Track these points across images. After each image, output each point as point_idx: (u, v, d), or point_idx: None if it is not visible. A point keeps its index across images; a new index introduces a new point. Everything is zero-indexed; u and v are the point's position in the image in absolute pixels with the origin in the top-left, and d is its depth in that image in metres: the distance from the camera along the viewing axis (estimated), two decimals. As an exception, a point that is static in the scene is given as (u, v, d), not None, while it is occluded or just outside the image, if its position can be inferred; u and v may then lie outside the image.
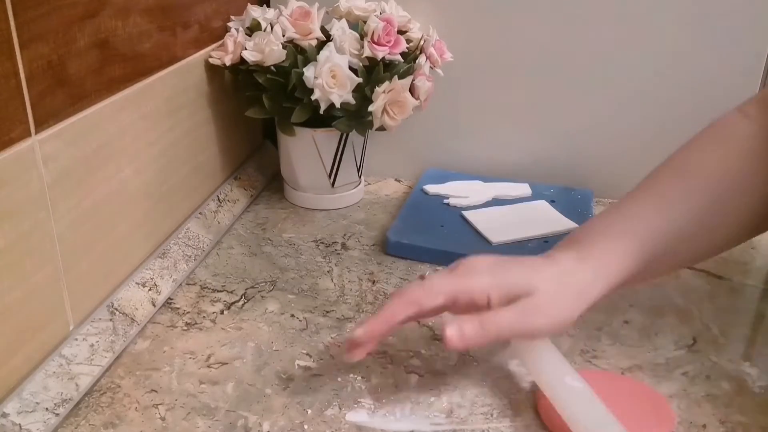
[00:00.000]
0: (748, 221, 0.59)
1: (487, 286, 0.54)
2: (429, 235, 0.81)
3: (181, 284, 0.73)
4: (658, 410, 0.57)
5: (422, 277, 0.58)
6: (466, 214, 0.85)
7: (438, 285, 0.55)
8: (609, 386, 0.57)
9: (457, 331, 0.52)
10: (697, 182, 0.58)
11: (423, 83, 0.84)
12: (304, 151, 0.87)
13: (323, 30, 0.83)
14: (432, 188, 0.91)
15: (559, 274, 0.55)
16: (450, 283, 0.55)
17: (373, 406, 0.58)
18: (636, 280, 0.58)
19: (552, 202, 0.88)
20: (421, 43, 0.86)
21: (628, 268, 0.56)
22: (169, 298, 0.71)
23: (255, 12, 0.85)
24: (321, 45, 0.81)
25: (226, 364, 0.62)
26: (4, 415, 0.52)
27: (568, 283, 0.55)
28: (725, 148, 0.59)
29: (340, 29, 0.82)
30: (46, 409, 0.54)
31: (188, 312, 0.69)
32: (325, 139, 0.86)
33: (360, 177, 0.92)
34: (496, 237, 0.80)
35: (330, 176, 0.88)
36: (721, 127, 0.61)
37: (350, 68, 0.79)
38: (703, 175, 0.58)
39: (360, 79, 0.80)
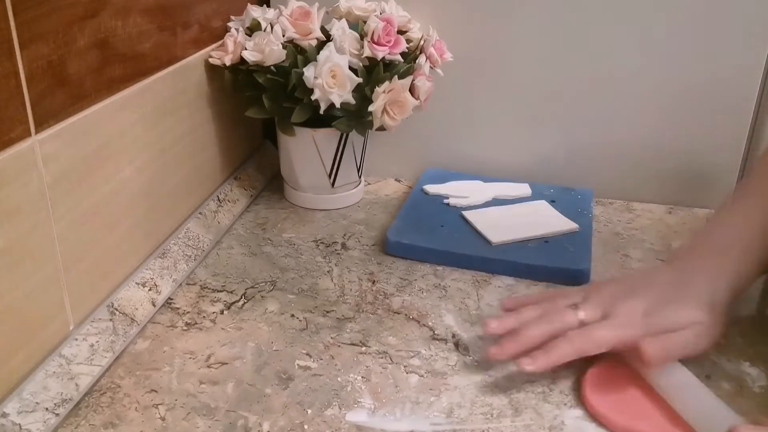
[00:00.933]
0: None
1: (647, 334, 0.59)
2: (429, 235, 0.81)
3: (181, 284, 0.73)
4: None
5: (575, 306, 0.62)
6: (466, 214, 0.85)
7: (601, 336, 0.59)
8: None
9: (653, 349, 0.57)
10: None
11: (423, 83, 0.84)
12: (304, 151, 0.87)
13: (323, 30, 0.83)
14: (432, 188, 0.91)
15: (707, 305, 0.60)
16: (613, 337, 0.59)
17: (373, 406, 0.58)
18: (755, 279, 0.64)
19: (552, 202, 0.88)
20: (421, 43, 0.86)
21: (755, 273, 0.63)
22: (169, 298, 0.71)
23: (255, 12, 0.85)
24: (321, 45, 0.81)
25: (226, 364, 0.62)
26: (4, 415, 0.52)
27: (716, 310, 0.60)
28: None
29: (340, 29, 0.82)
30: (46, 409, 0.54)
31: (188, 312, 0.69)
32: (325, 139, 0.86)
33: (360, 177, 0.92)
34: (496, 237, 0.80)
35: (330, 176, 0.88)
36: None
37: (350, 68, 0.79)
38: None
39: (360, 79, 0.80)
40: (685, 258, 0.64)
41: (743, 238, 0.63)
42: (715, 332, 0.60)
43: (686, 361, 0.63)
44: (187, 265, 0.75)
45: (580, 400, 0.59)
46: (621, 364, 0.61)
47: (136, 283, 0.69)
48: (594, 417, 0.57)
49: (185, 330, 0.67)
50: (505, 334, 0.61)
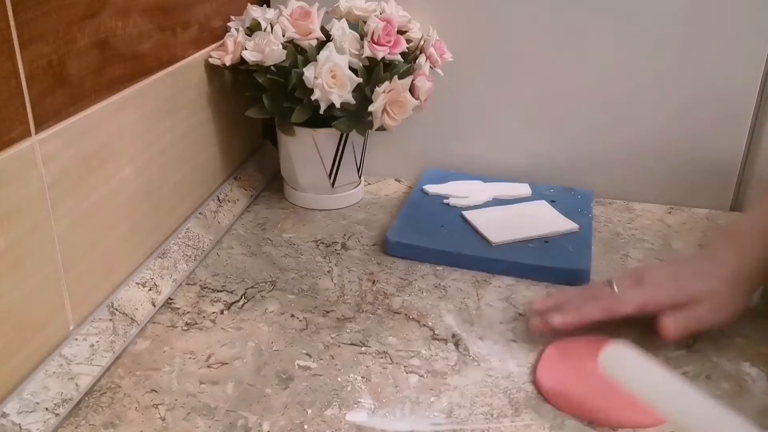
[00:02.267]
0: None
1: (674, 297, 0.63)
2: (429, 235, 0.81)
3: (181, 284, 0.73)
4: None
5: (610, 283, 0.65)
6: (466, 214, 0.85)
7: (630, 296, 0.63)
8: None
9: (673, 323, 0.62)
10: None
11: (423, 83, 0.84)
12: (304, 151, 0.87)
13: (323, 30, 0.83)
14: (432, 188, 0.91)
15: (728, 275, 0.63)
16: (641, 295, 0.63)
17: (373, 406, 0.58)
18: None
19: (552, 202, 0.88)
20: (421, 43, 0.86)
21: None
22: (169, 298, 0.71)
23: (255, 12, 0.85)
24: (321, 45, 0.81)
25: (226, 364, 0.62)
26: (4, 415, 0.52)
27: (737, 281, 0.63)
28: None
29: (340, 29, 0.82)
30: (46, 409, 0.54)
31: (188, 312, 0.69)
32: (325, 139, 0.86)
33: (360, 177, 0.92)
34: (496, 237, 0.80)
35: (330, 176, 0.88)
36: None
37: (350, 68, 0.79)
38: None
39: (360, 79, 0.80)
40: (713, 243, 0.70)
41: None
42: (733, 306, 0.63)
43: (686, 361, 0.64)
44: (187, 265, 0.75)
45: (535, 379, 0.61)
46: (578, 343, 0.63)
47: (136, 283, 0.69)
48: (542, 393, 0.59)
49: (185, 330, 0.67)
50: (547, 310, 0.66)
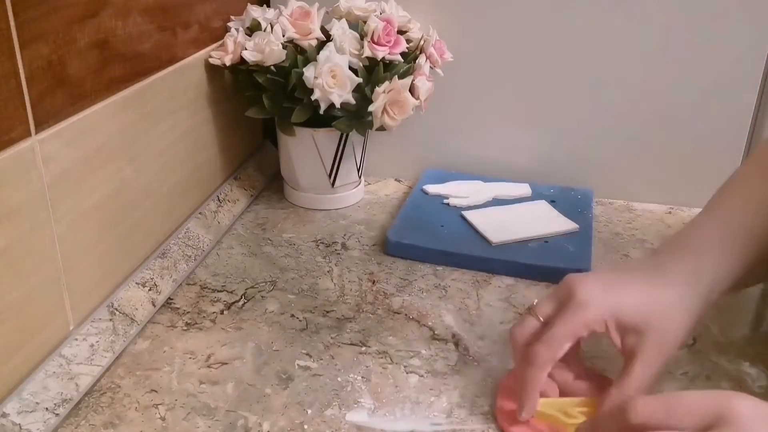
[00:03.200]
0: None
1: (604, 317, 0.54)
2: (429, 235, 0.81)
3: (181, 284, 0.73)
4: None
5: (532, 310, 0.56)
6: (466, 214, 0.85)
7: (559, 335, 0.54)
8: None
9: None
10: None
11: (423, 83, 0.84)
12: (304, 151, 0.87)
13: (323, 30, 0.83)
14: (432, 188, 0.91)
15: (672, 303, 0.54)
16: (569, 328, 0.54)
17: (373, 406, 0.58)
18: (738, 286, 0.58)
19: (552, 202, 0.88)
20: (421, 43, 0.86)
21: (736, 274, 0.56)
22: (169, 298, 0.71)
23: (255, 12, 0.85)
24: (321, 45, 0.81)
25: (226, 364, 0.62)
26: (4, 415, 0.52)
27: (683, 310, 0.54)
28: None
29: (340, 29, 0.82)
30: (46, 409, 0.54)
31: (188, 312, 0.69)
32: (325, 139, 0.86)
33: (360, 177, 0.92)
34: (496, 237, 0.80)
35: (330, 176, 0.88)
36: None
37: (350, 68, 0.79)
38: None
39: (360, 79, 0.80)
40: (664, 249, 0.59)
41: (724, 238, 0.57)
42: (683, 333, 0.54)
43: (686, 361, 0.64)
44: (187, 265, 0.75)
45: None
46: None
47: (136, 283, 0.69)
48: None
49: (185, 330, 0.67)
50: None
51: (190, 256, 0.76)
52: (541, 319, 0.56)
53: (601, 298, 0.54)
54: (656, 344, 0.53)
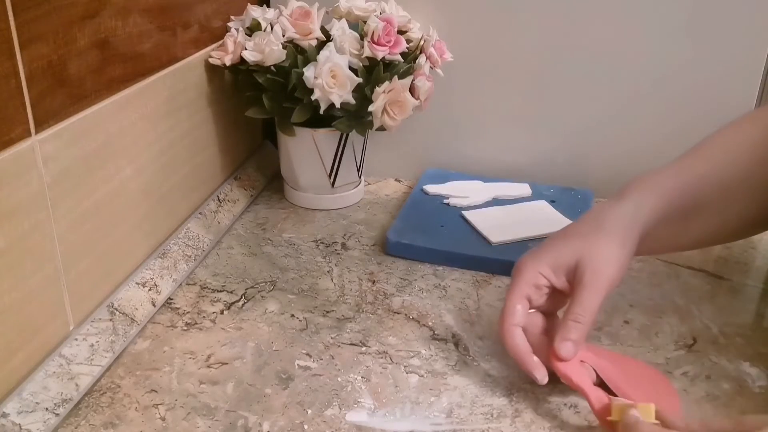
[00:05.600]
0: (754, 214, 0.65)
1: (538, 268, 0.60)
2: (429, 235, 0.81)
3: (181, 284, 0.73)
4: (664, 386, 0.60)
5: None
6: (466, 214, 0.85)
7: (508, 302, 0.60)
8: (618, 364, 0.59)
9: (566, 344, 0.57)
10: (716, 161, 0.65)
11: (423, 83, 0.84)
12: (304, 151, 0.87)
13: (323, 30, 0.83)
14: (432, 188, 0.91)
15: (606, 244, 0.59)
16: (513, 292, 0.60)
17: (373, 406, 0.58)
18: (660, 236, 0.63)
19: (552, 202, 0.88)
20: (421, 43, 0.86)
21: (659, 210, 0.61)
22: (169, 298, 0.71)
23: (255, 12, 0.85)
24: (321, 45, 0.81)
25: (226, 364, 0.62)
26: (4, 415, 0.52)
27: (615, 249, 0.59)
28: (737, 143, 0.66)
29: (340, 29, 0.82)
30: (46, 409, 0.54)
31: (188, 312, 0.69)
32: (325, 139, 0.86)
33: (360, 177, 0.92)
34: (496, 237, 0.80)
35: (330, 176, 0.88)
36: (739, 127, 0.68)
37: (350, 68, 0.79)
38: (722, 158, 0.65)
39: (360, 79, 0.80)
40: (611, 199, 0.63)
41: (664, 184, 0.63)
42: (616, 261, 0.59)
43: (686, 361, 0.63)
44: (187, 265, 0.75)
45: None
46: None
47: (136, 283, 0.69)
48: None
49: (185, 330, 0.67)
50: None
51: (190, 256, 0.76)
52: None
53: (533, 257, 0.61)
54: (595, 274, 0.58)
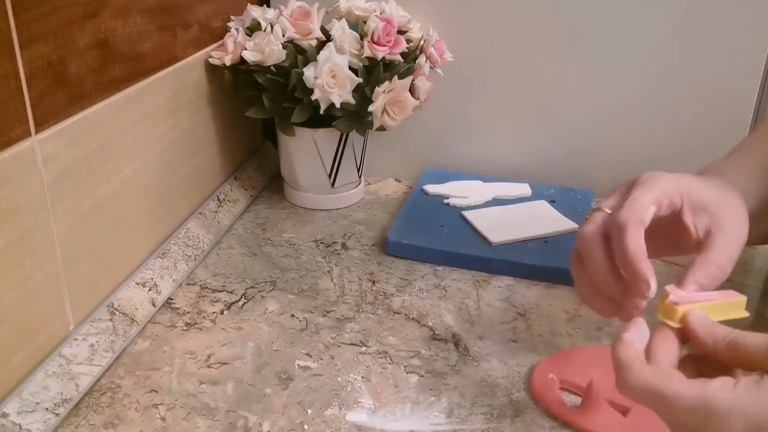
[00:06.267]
0: None
1: (678, 187, 0.52)
2: (429, 235, 0.81)
3: (181, 284, 0.73)
4: None
5: (597, 208, 0.54)
6: (466, 214, 0.85)
7: (641, 197, 0.51)
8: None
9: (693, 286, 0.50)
10: None
11: (423, 83, 0.84)
12: (304, 151, 0.87)
13: (323, 30, 0.83)
14: (432, 188, 0.91)
15: (737, 197, 0.53)
16: (648, 193, 0.51)
17: (373, 406, 0.58)
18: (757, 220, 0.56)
19: (552, 202, 0.88)
20: (421, 43, 0.86)
21: (761, 197, 0.56)
22: (169, 298, 0.71)
23: (255, 12, 0.85)
24: (321, 45, 0.81)
25: (226, 364, 0.62)
26: (4, 415, 0.52)
27: (744, 207, 0.53)
28: None
29: (340, 29, 0.82)
30: (46, 409, 0.54)
31: (188, 312, 0.69)
32: (325, 139, 0.86)
33: (360, 177, 0.92)
34: (496, 237, 0.80)
35: (330, 176, 0.88)
36: None
37: (350, 68, 0.79)
38: None
39: (360, 79, 0.80)
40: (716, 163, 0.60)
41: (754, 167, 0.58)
42: (745, 231, 0.52)
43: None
44: (187, 265, 0.75)
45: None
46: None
47: (136, 283, 0.69)
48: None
49: (185, 330, 0.67)
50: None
51: (190, 256, 0.76)
52: (609, 211, 0.53)
53: (671, 177, 0.52)
54: (733, 223, 0.51)
